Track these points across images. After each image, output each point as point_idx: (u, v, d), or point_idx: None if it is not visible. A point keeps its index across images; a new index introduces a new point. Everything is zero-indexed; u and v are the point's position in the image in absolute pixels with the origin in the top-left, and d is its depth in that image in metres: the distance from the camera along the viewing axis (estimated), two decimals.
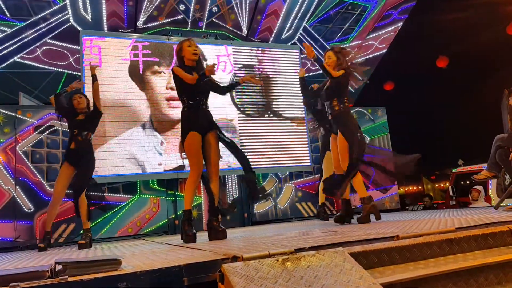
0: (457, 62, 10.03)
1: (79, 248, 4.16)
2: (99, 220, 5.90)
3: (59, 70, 6.74)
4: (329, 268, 1.80)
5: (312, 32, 8.06)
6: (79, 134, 4.38)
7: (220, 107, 6.65)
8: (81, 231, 4.57)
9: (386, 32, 8.35)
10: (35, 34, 6.38)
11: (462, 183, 8.47)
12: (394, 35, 8.29)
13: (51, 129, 5.83)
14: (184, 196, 3.53)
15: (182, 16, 7.09)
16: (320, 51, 8.24)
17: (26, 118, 5.77)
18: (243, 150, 6.71)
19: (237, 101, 7.01)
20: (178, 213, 6.43)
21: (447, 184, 9.21)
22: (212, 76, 3.50)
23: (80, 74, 6.23)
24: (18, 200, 5.52)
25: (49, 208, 4.40)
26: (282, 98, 7.36)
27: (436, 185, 15.97)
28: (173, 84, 3.71)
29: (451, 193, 8.24)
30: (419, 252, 2.15)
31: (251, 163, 3.59)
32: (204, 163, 3.51)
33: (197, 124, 3.46)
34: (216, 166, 3.48)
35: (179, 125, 4.05)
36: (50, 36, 6.50)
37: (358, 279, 1.77)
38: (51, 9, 6.39)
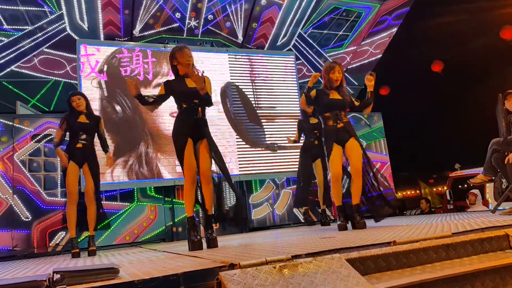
0: (453, 65, 10.09)
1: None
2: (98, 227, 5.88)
3: (56, 78, 6.76)
4: (326, 275, 1.80)
5: (307, 38, 8.13)
6: (86, 138, 4.37)
7: (215, 114, 6.69)
8: (82, 237, 4.53)
9: (381, 38, 8.42)
10: (32, 43, 6.41)
11: (459, 187, 8.49)
12: (389, 41, 8.36)
13: (48, 138, 5.83)
14: (184, 203, 3.53)
15: (178, 24, 7.13)
16: (316, 57, 8.29)
17: (23, 127, 5.78)
18: (239, 156, 6.81)
19: (233, 108, 7.03)
20: (176, 220, 6.42)
21: (445, 188, 9.23)
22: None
23: (76, 82, 6.24)
24: (16, 209, 5.51)
25: (68, 211, 4.27)
26: (278, 104, 7.39)
27: (434, 189, 16.00)
28: None
29: (448, 197, 8.26)
30: (415, 257, 2.15)
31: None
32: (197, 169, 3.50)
33: (187, 131, 3.45)
34: (205, 173, 3.42)
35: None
36: (47, 45, 6.53)
37: (355, 285, 1.77)
38: (48, 19, 6.43)
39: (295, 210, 7.21)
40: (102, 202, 5.08)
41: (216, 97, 6.83)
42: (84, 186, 4.37)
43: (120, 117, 6.32)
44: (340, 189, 4.21)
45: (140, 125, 6.34)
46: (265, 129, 7.21)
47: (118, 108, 6.33)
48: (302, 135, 5.93)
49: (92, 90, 6.14)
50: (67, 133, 4.47)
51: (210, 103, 3.57)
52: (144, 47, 6.66)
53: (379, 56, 8.55)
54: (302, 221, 7.21)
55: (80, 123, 4.38)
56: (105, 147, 4.59)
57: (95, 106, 6.10)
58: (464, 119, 10.46)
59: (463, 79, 10.32)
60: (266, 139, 7.17)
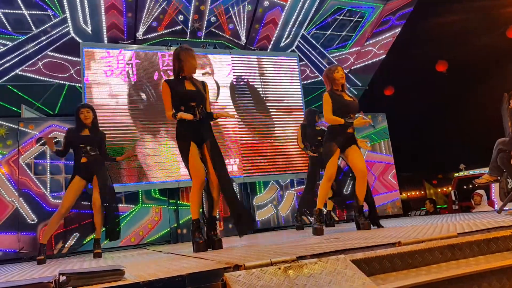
0: (456, 65, 10.05)
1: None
2: (101, 230, 5.89)
3: (61, 82, 6.79)
4: (331, 276, 1.80)
5: (310, 39, 8.12)
6: (89, 149, 4.38)
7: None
8: (88, 239, 4.50)
9: (385, 38, 8.40)
10: (36, 47, 6.44)
11: (464, 187, 8.45)
12: (393, 41, 8.33)
13: (53, 141, 5.84)
14: (190, 206, 3.53)
15: (181, 27, 7.15)
16: (319, 58, 8.28)
17: (28, 130, 5.81)
18: (243, 158, 6.80)
19: (237, 109, 7.03)
20: (180, 222, 6.43)
21: (450, 189, 9.18)
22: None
23: (81, 85, 6.27)
24: (22, 211, 5.54)
25: (53, 221, 4.30)
26: (281, 105, 7.38)
27: (439, 190, 15.91)
28: None
29: (453, 198, 8.21)
30: (421, 258, 2.14)
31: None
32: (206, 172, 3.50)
33: (189, 135, 3.44)
34: (213, 175, 3.41)
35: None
36: (51, 48, 6.56)
37: (361, 286, 1.77)
38: (52, 22, 6.46)
39: None
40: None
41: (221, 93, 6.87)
42: (92, 196, 4.35)
43: (145, 104, 6.41)
44: (328, 191, 4.17)
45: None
46: (269, 128, 7.19)
47: (143, 95, 6.42)
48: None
49: (95, 94, 6.17)
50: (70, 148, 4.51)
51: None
52: (146, 50, 6.67)
53: (383, 56, 8.52)
54: (307, 222, 7.20)
55: (82, 136, 4.40)
56: (108, 160, 4.64)
57: (124, 101, 6.23)
58: (466, 119, 10.39)
59: (465, 79, 10.27)
60: (270, 139, 7.16)
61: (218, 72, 7.01)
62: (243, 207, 3.46)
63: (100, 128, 4.69)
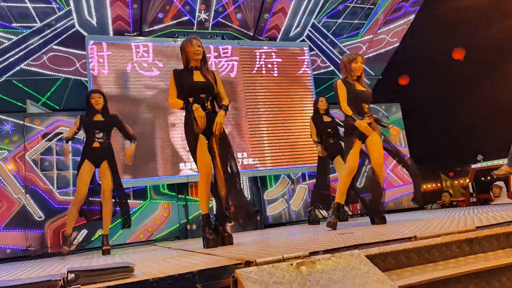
0: (473, 52, 9.83)
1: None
2: (110, 226, 5.87)
3: (66, 76, 6.76)
4: (345, 272, 1.77)
5: (321, 28, 7.95)
6: (102, 135, 4.38)
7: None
8: (96, 236, 4.46)
9: (398, 26, 8.21)
10: (41, 41, 6.42)
11: (482, 179, 8.27)
12: (406, 28, 8.13)
13: (59, 136, 5.82)
14: (199, 200, 3.47)
15: (187, 17, 7.05)
16: (330, 47, 8.13)
17: (34, 126, 5.78)
18: (253, 151, 6.73)
19: (247, 101, 6.94)
20: (190, 217, 6.38)
21: (467, 181, 9.01)
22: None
23: (87, 79, 6.22)
24: (29, 208, 5.53)
25: (71, 211, 4.34)
26: (292, 97, 7.27)
27: (456, 182, 15.74)
28: None
29: (471, 190, 8.05)
30: (438, 252, 2.09)
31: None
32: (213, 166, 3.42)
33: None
34: (220, 170, 3.32)
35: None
36: (55, 42, 6.54)
37: (376, 282, 1.73)
38: (56, 15, 6.42)
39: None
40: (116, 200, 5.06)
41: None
42: (101, 185, 4.37)
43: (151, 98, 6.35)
44: (348, 186, 4.07)
45: None
46: (280, 121, 7.09)
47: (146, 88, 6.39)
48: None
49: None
50: (80, 132, 4.51)
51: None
52: (153, 42, 6.58)
53: (396, 44, 8.34)
54: (320, 216, 7.10)
55: (96, 121, 4.40)
56: (130, 137, 4.59)
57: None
58: (484, 109, 10.19)
59: (482, 67, 10.06)
60: (280, 132, 7.07)
61: (227, 63, 6.91)
62: (242, 199, 3.36)
63: None
